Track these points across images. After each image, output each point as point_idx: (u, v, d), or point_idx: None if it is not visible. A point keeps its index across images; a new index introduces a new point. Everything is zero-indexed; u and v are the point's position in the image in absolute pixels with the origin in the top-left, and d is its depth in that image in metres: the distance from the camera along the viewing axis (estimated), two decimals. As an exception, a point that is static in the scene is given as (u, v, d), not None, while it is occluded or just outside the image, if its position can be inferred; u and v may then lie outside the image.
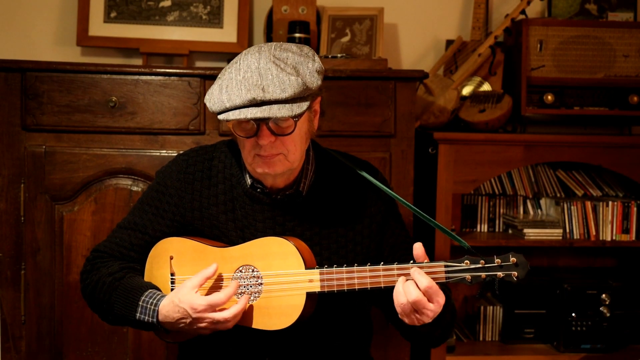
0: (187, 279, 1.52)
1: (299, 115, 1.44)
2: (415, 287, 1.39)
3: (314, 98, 1.52)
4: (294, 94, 1.42)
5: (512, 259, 1.42)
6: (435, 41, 2.90)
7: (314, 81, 1.47)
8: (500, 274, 1.42)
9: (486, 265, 1.42)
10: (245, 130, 1.49)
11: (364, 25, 2.72)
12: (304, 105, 1.44)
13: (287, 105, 1.42)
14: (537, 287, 2.71)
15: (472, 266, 1.42)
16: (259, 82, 1.41)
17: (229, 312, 1.47)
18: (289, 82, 1.42)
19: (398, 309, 1.43)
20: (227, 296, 1.47)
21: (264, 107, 1.41)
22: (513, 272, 1.42)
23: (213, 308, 1.46)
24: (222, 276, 1.55)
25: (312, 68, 1.48)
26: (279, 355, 1.60)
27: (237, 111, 1.42)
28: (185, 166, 1.65)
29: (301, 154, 1.55)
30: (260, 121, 1.45)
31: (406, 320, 1.44)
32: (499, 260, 1.42)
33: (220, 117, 1.44)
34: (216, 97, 1.45)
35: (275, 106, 1.41)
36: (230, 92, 1.43)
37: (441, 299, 1.41)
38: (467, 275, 1.42)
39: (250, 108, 1.41)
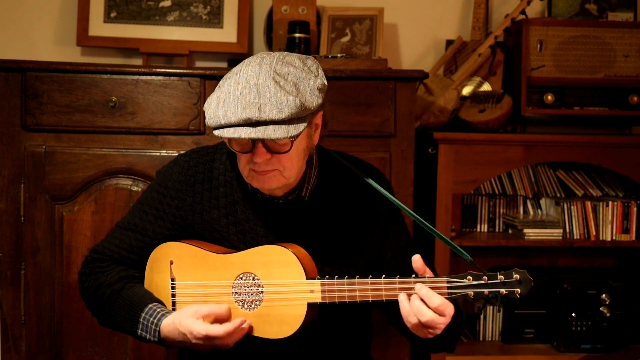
0: (195, 305, 1.51)
1: (296, 136, 1.41)
2: (425, 307, 1.38)
3: (314, 114, 1.49)
4: (291, 115, 1.39)
5: (516, 276, 1.41)
6: (435, 41, 2.90)
7: (314, 100, 1.44)
8: (503, 290, 1.41)
9: (489, 282, 1.41)
10: (241, 145, 1.47)
11: (364, 25, 2.72)
12: (302, 126, 1.41)
13: (283, 126, 1.39)
14: (537, 287, 2.69)
15: (475, 282, 1.41)
16: (255, 100, 1.38)
17: (224, 329, 1.45)
18: (286, 102, 1.38)
19: (409, 325, 1.42)
20: (226, 331, 1.45)
21: (259, 127, 1.38)
22: (516, 289, 1.41)
23: (211, 340, 1.46)
24: (222, 283, 1.54)
25: (314, 85, 1.44)
26: (279, 356, 1.60)
27: (232, 129, 1.39)
28: (186, 167, 1.63)
29: (298, 170, 1.53)
30: (255, 139, 1.42)
31: (419, 335, 1.44)
32: (502, 277, 1.41)
33: (216, 132, 1.41)
34: (213, 112, 1.42)
35: (270, 127, 1.38)
36: (227, 108, 1.40)
37: (451, 310, 1.40)
38: (470, 292, 1.41)
39: (245, 127, 1.38)
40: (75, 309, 2.20)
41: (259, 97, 1.39)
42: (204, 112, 2.16)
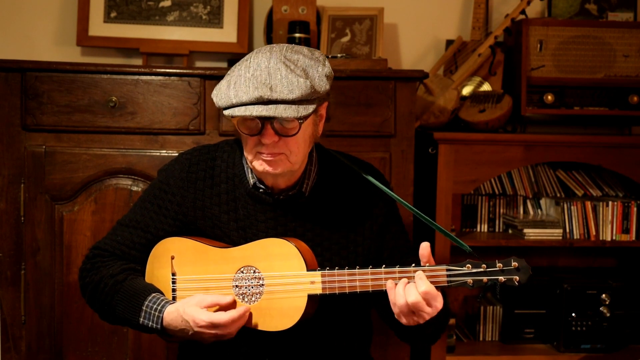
0: (200, 294, 1.52)
1: (305, 118, 1.44)
2: (415, 290, 1.40)
3: (321, 102, 1.51)
4: (301, 96, 1.42)
5: (514, 264, 1.42)
6: (435, 41, 2.90)
7: (323, 85, 1.47)
8: (502, 278, 1.42)
9: (488, 270, 1.42)
10: (249, 128, 1.48)
11: (364, 25, 2.72)
12: (310, 108, 1.44)
13: (293, 106, 1.42)
14: (537, 287, 2.72)
15: (474, 270, 1.42)
16: (267, 80, 1.42)
17: (228, 316, 1.46)
18: (297, 83, 1.42)
19: (395, 309, 1.43)
20: (231, 318, 1.47)
21: (270, 105, 1.41)
22: (515, 277, 1.41)
23: (215, 327, 1.47)
24: (223, 277, 1.55)
25: (322, 72, 1.48)
26: (279, 355, 1.60)
27: (242, 107, 1.42)
28: (188, 165, 1.65)
29: (303, 156, 1.55)
30: (265, 120, 1.45)
31: (403, 321, 1.45)
32: (501, 265, 1.42)
33: (226, 112, 1.44)
34: (223, 92, 1.45)
35: (281, 106, 1.41)
36: (238, 88, 1.43)
37: (439, 303, 1.41)
38: (469, 279, 1.42)
39: (256, 106, 1.41)
40: (75, 309, 2.20)
41: (270, 78, 1.42)
42: (204, 112, 2.21)
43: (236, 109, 1.43)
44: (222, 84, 1.47)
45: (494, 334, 2.78)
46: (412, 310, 1.41)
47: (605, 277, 2.76)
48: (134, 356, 2.23)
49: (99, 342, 2.22)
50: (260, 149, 1.49)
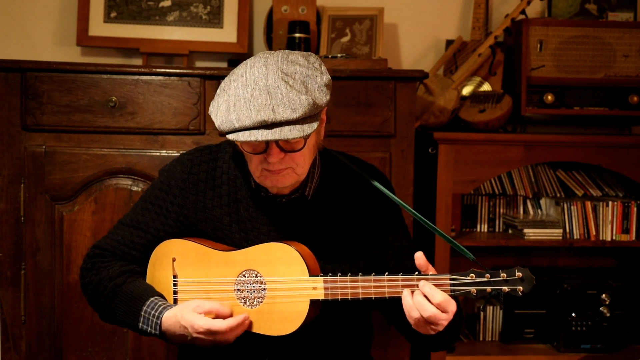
0: (199, 300, 1.52)
1: (310, 134, 1.42)
2: (428, 302, 1.39)
3: (322, 110, 1.49)
4: (305, 114, 1.39)
5: (518, 274, 1.42)
6: (435, 41, 2.90)
7: (323, 97, 1.44)
8: (505, 288, 1.42)
9: (491, 280, 1.42)
10: (253, 146, 1.47)
11: (364, 25, 2.72)
12: (315, 124, 1.41)
13: (298, 125, 1.39)
14: (537, 287, 2.70)
15: (478, 280, 1.42)
16: (268, 101, 1.38)
17: (226, 324, 1.47)
18: (299, 101, 1.39)
19: (411, 321, 1.43)
20: (229, 326, 1.46)
21: (274, 129, 1.38)
22: (519, 287, 1.42)
23: (212, 333, 1.46)
24: (225, 280, 1.55)
25: (321, 82, 1.45)
26: (279, 356, 1.60)
27: (247, 132, 1.39)
28: (189, 166, 1.64)
29: (309, 166, 1.54)
30: (270, 141, 1.43)
31: (421, 331, 1.44)
32: (505, 275, 1.42)
33: (230, 137, 1.41)
34: (224, 116, 1.41)
35: (286, 127, 1.38)
36: (239, 111, 1.39)
37: (453, 307, 1.41)
38: (472, 289, 1.42)
39: (260, 130, 1.38)
40: (75, 309, 2.20)
41: (270, 99, 1.38)
42: (204, 112, 2.20)
43: (240, 133, 1.39)
44: (220, 103, 1.43)
45: (494, 334, 2.79)
46: (428, 321, 1.40)
47: (605, 277, 2.76)
48: (134, 356, 2.23)
49: (99, 342, 2.22)
50: (266, 166, 1.47)
